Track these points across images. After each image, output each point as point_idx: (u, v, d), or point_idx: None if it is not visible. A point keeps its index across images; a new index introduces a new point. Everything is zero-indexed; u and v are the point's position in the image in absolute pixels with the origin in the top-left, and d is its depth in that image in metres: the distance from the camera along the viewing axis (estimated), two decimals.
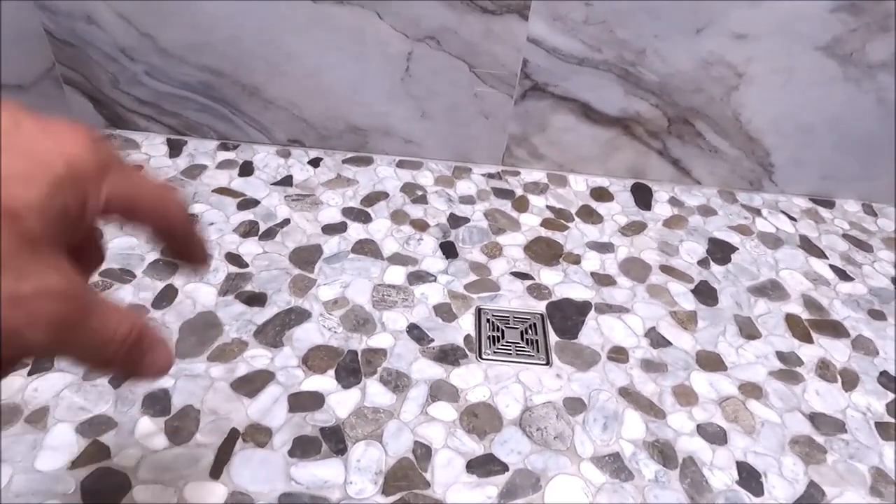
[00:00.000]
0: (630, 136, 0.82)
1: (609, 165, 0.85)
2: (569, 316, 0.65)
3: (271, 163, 0.82)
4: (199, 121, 0.83)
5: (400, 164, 0.83)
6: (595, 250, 0.73)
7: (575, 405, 0.56)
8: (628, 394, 0.58)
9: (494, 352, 0.60)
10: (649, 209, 0.80)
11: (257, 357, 0.57)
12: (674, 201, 0.83)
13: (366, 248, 0.70)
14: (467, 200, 0.78)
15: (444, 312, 0.64)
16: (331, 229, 0.73)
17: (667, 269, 0.72)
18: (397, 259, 0.69)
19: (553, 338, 0.62)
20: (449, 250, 0.71)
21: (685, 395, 0.58)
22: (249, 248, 0.69)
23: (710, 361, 0.62)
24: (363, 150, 0.85)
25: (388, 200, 0.77)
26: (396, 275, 0.67)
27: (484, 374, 0.58)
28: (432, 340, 0.60)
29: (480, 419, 0.54)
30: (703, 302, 0.68)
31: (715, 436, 0.55)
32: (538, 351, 0.61)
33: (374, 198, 0.77)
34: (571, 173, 0.85)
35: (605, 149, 0.83)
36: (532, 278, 0.68)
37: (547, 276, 0.69)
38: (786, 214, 0.83)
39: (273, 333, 0.60)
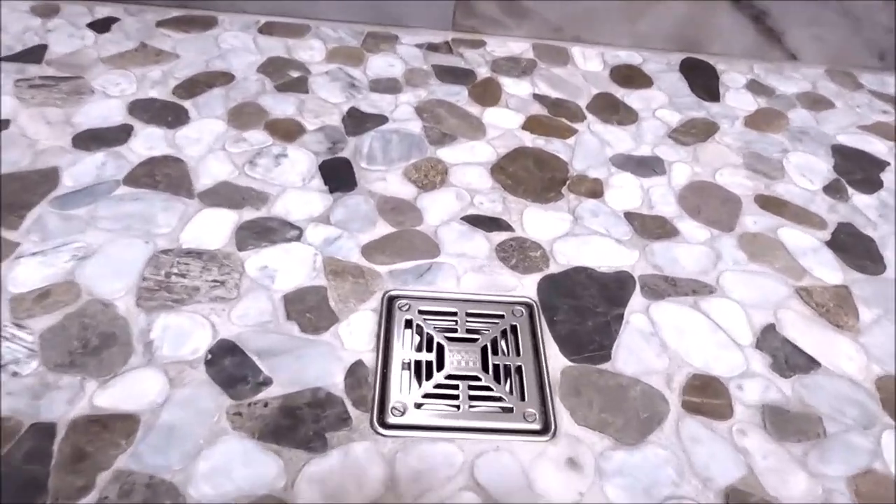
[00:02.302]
0: None
1: (640, 28, 0.52)
2: (588, 306, 0.29)
3: (13, 26, 0.44)
4: None
5: (265, 29, 0.47)
6: (629, 171, 0.38)
7: None
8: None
9: (418, 405, 0.25)
10: (717, 100, 0.48)
11: None
12: (755, 87, 0.51)
13: (161, 173, 0.35)
14: (386, 87, 0.43)
15: (311, 309, 0.28)
16: (92, 139, 0.37)
17: (768, 203, 0.40)
18: (224, 194, 0.34)
19: (555, 361, 0.27)
20: (338, 175, 0.36)
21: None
22: None
23: None
24: (200, 5, 0.47)
25: (229, 87, 0.43)
26: (213, 228, 0.32)
27: (385, 472, 0.22)
28: (265, 385, 0.25)
29: None
30: (854, 265, 0.35)
31: None
32: (522, 396, 0.25)
33: (202, 82, 0.44)
34: (576, 43, 0.50)
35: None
36: (508, 228, 0.33)
37: (537, 221, 0.35)
38: None
39: None
